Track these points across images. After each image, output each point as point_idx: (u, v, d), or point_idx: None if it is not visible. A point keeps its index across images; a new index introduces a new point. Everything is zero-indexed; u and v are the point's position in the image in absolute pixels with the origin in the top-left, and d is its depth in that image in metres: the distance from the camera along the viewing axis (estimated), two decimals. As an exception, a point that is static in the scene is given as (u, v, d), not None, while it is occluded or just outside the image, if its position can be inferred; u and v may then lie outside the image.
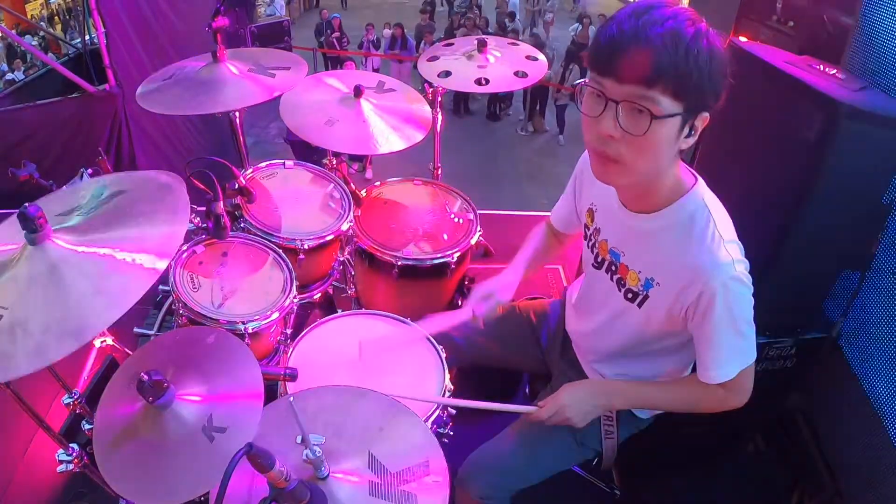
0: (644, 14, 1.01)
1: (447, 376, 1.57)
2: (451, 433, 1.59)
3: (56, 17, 12.34)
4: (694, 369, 1.33)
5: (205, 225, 1.81)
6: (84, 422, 1.66)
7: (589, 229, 1.44)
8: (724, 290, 1.14)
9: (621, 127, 1.05)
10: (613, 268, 1.34)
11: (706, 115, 1.08)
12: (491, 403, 1.46)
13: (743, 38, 1.87)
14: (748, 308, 1.19)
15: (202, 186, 1.75)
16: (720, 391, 1.28)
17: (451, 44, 2.45)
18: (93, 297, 1.04)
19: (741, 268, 1.15)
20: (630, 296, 1.30)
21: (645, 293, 1.27)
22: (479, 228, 2.10)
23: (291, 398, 0.98)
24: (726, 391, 1.28)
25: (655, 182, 1.20)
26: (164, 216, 1.18)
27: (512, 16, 10.98)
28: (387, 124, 2.06)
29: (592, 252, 1.42)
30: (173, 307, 1.72)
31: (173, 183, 1.26)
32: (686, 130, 1.08)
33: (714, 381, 1.25)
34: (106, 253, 1.10)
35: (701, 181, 1.24)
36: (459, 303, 2.18)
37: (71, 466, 1.52)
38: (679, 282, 1.19)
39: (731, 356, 1.23)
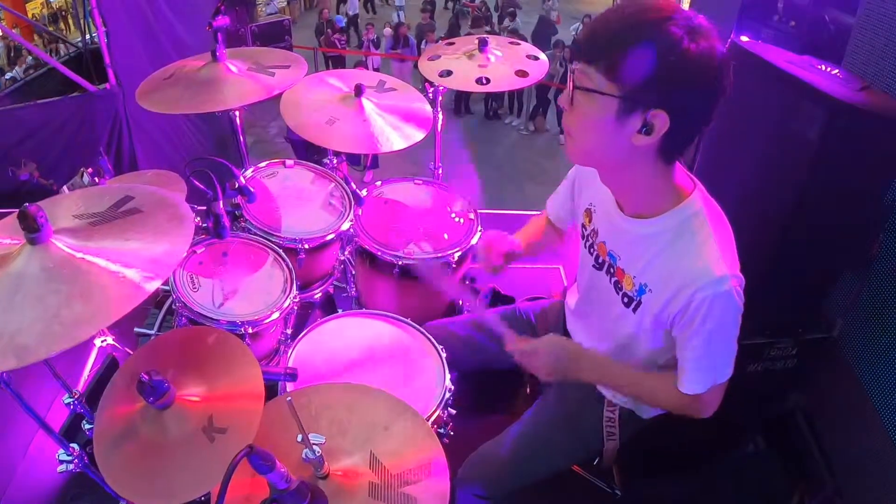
0: (622, 7, 1.06)
1: (447, 376, 1.57)
2: (452, 433, 1.59)
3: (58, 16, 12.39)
4: None
5: (205, 224, 1.81)
6: (84, 422, 1.66)
7: (586, 229, 1.43)
8: (712, 304, 1.13)
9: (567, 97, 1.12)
10: (612, 270, 1.34)
11: (661, 113, 1.03)
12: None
13: (744, 38, 1.87)
14: (733, 327, 1.18)
15: (202, 186, 1.75)
16: (686, 399, 1.27)
17: (453, 43, 2.45)
18: (51, 319, 1.00)
19: (734, 283, 1.13)
20: (626, 300, 1.30)
21: (639, 299, 1.26)
22: (479, 228, 2.10)
23: (289, 398, 0.98)
24: (692, 401, 1.28)
25: (643, 185, 1.19)
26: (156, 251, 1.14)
27: (513, 15, 10.98)
28: (387, 123, 2.05)
29: (591, 253, 1.41)
30: (173, 307, 1.72)
31: (186, 217, 1.23)
32: (636, 123, 1.06)
33: (684, 390, 1.25)
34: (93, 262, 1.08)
35: (699, 187, 1.22)
36: (460, 303, 2.18)
37: (71, 466, 1.52)
38: (669, 290, 1.18)
39: (702, 372, 1.23)
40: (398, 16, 12.34)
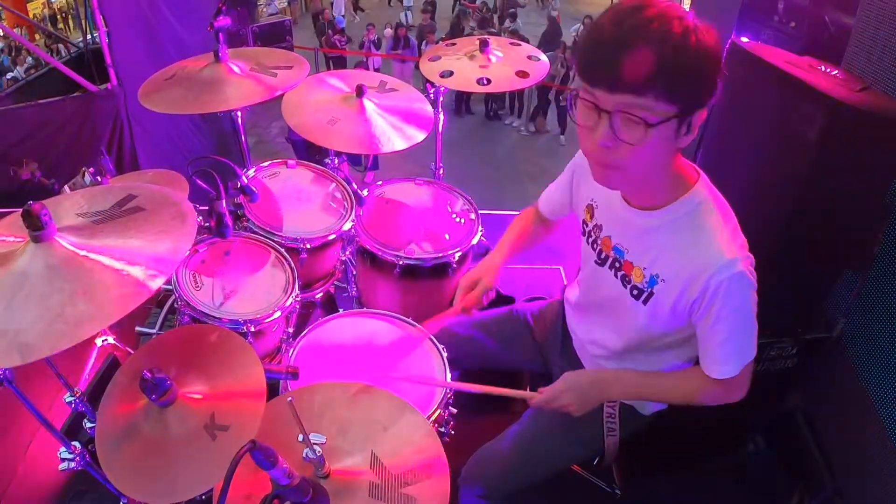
0: (629, 17, 0.98)
1: (448, 377, 1.58)
2: (453, 432, 1.59)
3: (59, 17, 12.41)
4: (696, 362, 1.33)
5: (207, 224, 1.81)
6: (86, 420, 1.67)
7: (588, 225, 1.43)
8: (728, 287, 1.14)
9: (617, 137, 1.04)
10: (618, 264, 1.34)
11: (703, 111, 1.06)
12: (492, 388, 1.46)
13: (744, 39, 1.87)
14: (751, 305, 1.19)
15: (205, 185, 1.75)
16: (720, 386, 1.28)
17: (454, 44, 2.45)
18: (55, 317, 1.01)
19: (746, 264, 1.15)
20: (635, 293, 1.30)
21: (650, 290, 1.26)
22: (480, 228, 2.11)
23: (290, 399, 0.98)
24: (726, 386, 1.28)
25: (656, 179, 1.19)
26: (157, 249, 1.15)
27: (514, 16, 10.99)
28: (388, 124, 2.06)
29: (594, 249, 1.41)
30: (175, 306, 1.72)
31: (188, 216, 1.23)
32: (684, 129, 1.07)
33: (716, 376, 1.25)
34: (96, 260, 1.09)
35: (703, 177, 1.24)
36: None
37: (73, 464, 1.53)
38: (683, 279, 1.19)
39: (733, 354, 1.23)
40: (406, 16, 12.37)
